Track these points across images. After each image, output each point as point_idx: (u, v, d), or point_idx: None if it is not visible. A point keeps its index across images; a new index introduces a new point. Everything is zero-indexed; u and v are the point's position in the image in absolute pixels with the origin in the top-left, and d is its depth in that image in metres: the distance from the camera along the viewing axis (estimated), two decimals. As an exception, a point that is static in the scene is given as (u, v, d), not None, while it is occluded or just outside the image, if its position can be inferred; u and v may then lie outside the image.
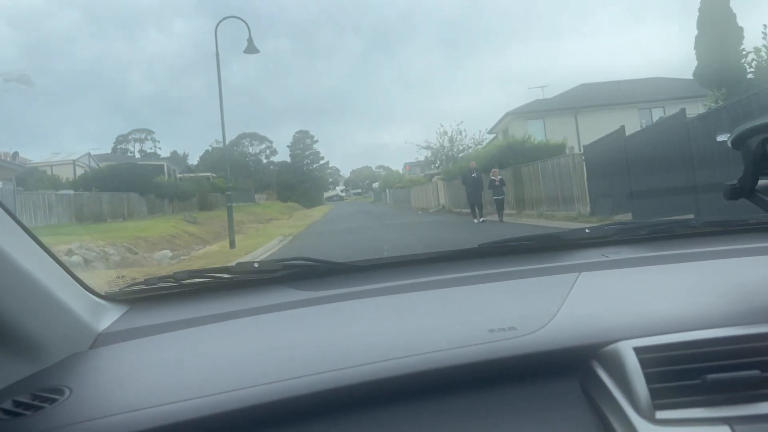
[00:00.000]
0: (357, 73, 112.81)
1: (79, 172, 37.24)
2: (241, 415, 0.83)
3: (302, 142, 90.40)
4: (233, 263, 1.52)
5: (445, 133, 38.28)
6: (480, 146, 33.95)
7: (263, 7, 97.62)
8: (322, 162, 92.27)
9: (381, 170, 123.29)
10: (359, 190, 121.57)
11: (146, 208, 33.90)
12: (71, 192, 26.98)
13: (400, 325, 1.16)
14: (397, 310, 1.25)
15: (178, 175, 53.95)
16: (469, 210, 20.15)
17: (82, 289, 1.22)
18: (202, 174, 66.58)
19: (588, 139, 19.87)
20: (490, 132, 36.54)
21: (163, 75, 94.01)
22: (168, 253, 15.12)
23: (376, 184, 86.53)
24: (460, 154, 35.60)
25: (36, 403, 0.88)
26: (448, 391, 0.89)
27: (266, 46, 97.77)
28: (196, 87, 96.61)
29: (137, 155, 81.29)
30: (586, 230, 1.63)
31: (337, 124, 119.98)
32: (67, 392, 0.90)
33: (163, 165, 52.40)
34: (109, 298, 1.33)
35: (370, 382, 0.88)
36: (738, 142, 1.08)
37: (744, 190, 1.09)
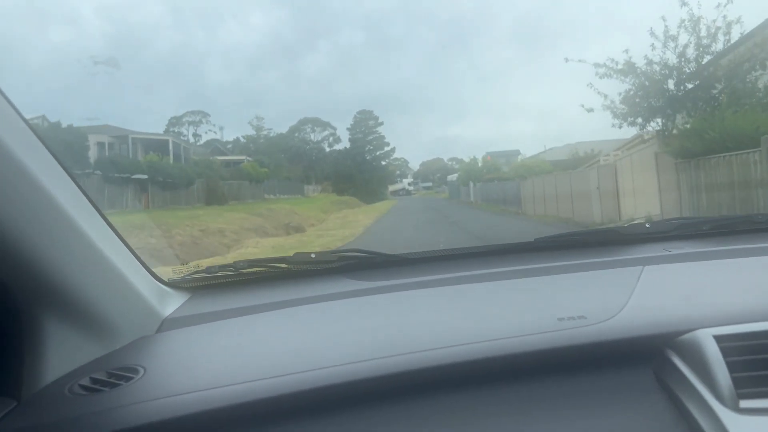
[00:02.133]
0: (430, 65, 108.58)
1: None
2: (300, 397, 0.85)
3: (364, 123, 75.58)
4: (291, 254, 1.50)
5: (693, 23, 12.06)
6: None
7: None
8: (387, 149, 76.98)
9: (454, 162, 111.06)
10: (430, 184, 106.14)
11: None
12: None
13: (462, 313, 1.14)
14: (460, 299, 1.23)
15: (195, 157, 39.95)
16: None
17: (150, 276, 1.26)
18: (233, 157, 53.07)
19: None
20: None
21: (240, 65, 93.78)
22: None
23: (453, 176, 70.41)
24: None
25: (112, 380, 0.93)
26: (518, 378, 0.88)
27: (340, 37, 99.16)
28: (272, 77, 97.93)
29: (191, 139, 70.68)
30: (647, 225, 1.60)
31: (407, 116, 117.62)
32: (141, 371, 0.95)
33: (167, 140, 38.66)
34: (173, 285, 1.37)
35: (437, 367, 0.87)
36: None
37: None
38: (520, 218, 22.54)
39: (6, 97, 0.88)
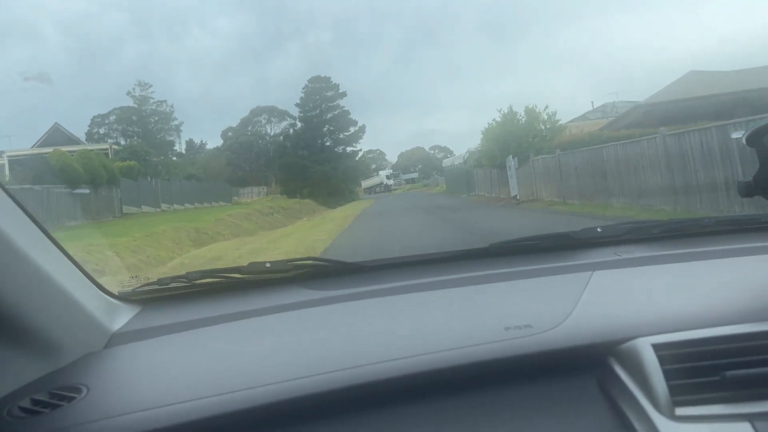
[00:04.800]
0: (400, 61, 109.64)
1: None
2: (253, 413, 0.84)
3: (318, 94, 53.45)
4: (246, 264, 1.46)
5: None
6: None
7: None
8: (354, 129, 54.69)
9: (436, 151, 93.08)
10: (415, 175, 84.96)
11: None
12: None
13: (414, 323, 1.15)
14: (410, 309, 1.25)
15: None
16: None
17: (97, 289, 1.23)
18: (90, 146, 31.09)
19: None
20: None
21: (208, 72, 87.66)
22: None
23: (453, 159, 48.75)
24: None
25: (54, 401, 0.90)
26: (465, 389, 0.90)
27: (308, 38, 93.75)
28: (241, 82, 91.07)
29: (122, 141, 48.65)
30: (598, 229, 1.58)
31: (380, 112, 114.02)
32: (85, 391, 0.92)
33: None
34: (123, 298, 1.34)
35: (385, 380, 0.89)
36: (753, 139, 1.05)
37: (759, 187, 1.07)
38: None
39: None
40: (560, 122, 22.70)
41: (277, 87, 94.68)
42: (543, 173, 19.07)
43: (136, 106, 38.65)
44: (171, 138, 40.39)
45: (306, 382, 0.87)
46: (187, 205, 31.34)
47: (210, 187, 36.70)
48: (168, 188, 30.70)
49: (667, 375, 0.82)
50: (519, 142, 21.95)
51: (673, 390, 0.81)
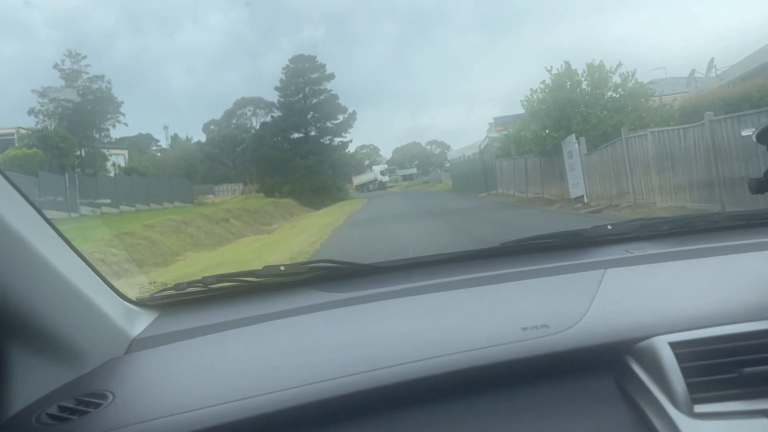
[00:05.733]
0: (394, 58, 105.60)
1: None
2: (276, 417, 0.85)
3: (302, 76, 45.73)
4: (261, 267, 1.47)
5: None
6: None
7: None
8: (343, 117, 47.04)
9: (434, 146, 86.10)
10: (413, 170, 77.54)
11: None
12: None
13: (430, 324, 1.15)
14: (425, 310, 1.25)
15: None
16: None
17: (116, 295, 1.24)
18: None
19: None
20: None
21: (201, 68, 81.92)
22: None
23: (461, 151, 41.10)
24: None
25: (80, 408, 0.91)
26: (484, 390, 0.90)
27: (301, 35, 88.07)
28: (235, 78, 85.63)
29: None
30: (608, 227, 1.58)
31: (375, 109, 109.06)
32: (110, 397, 0.93)
33: None
34: (141, 303, 1.35)
35: (404, 382, 0.89)
36: (763, 136, 1.06)
37: None
38: None
39: None
40: (644, 84, 15.20)
41: (269, 83, 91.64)
42: (653, 159, 11.54)
43: (63, 81, 30.55)
44: (109, 122, 32.46)
45: (326, 385, 0.88)
46: (125, 208, 23.80)
47: (162, 185, 29.15)
48: (94, 186, 23.11)
49: (685, 373, 0.83)
50: (585, 116, 14.43)
51: (691, 387, 0.81)
